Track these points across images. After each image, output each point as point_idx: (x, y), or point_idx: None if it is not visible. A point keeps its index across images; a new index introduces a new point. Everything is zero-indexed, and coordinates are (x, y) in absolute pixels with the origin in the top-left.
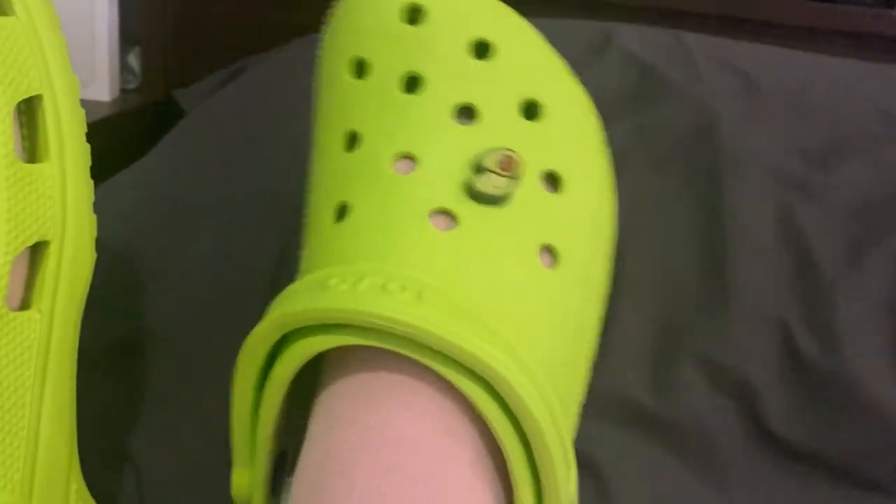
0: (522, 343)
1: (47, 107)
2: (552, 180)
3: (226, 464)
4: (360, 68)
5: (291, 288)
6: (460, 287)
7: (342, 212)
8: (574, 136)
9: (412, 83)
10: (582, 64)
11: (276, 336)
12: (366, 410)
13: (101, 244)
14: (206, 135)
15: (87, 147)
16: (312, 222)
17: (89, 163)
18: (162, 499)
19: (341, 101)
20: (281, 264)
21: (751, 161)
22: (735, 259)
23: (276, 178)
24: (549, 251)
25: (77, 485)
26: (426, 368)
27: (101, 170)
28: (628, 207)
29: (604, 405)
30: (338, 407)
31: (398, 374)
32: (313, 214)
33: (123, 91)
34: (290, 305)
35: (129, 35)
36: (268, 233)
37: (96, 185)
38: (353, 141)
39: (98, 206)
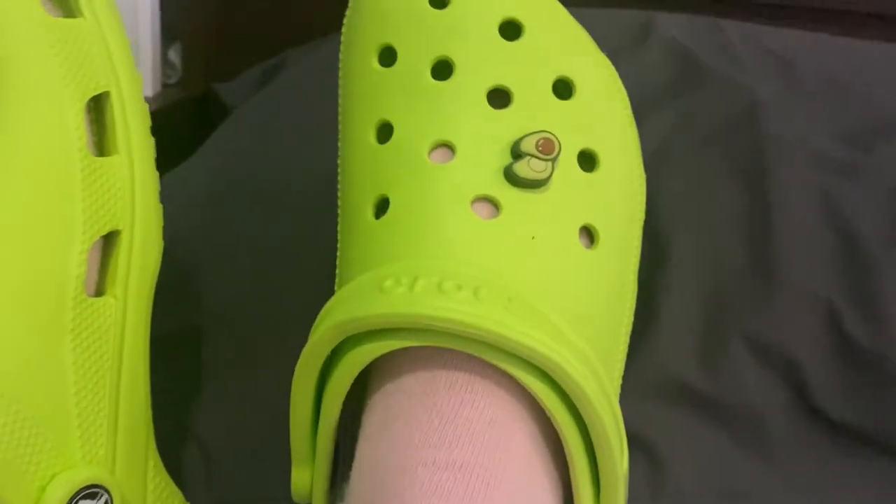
0: (573, 327)
1: (115, 102)
2: (587, 159)
3: (285, 443)
4: (388, 55)
5: (345, 291)
6: (509, 276)
7: (381, 207)
8: (605, 110)
9: (442, 68)
10: (623, 52)
11: (335, 342)
12: (423, 407)
13: (164, 233)
14: (261, 126)
15: (152, 140)
16: (350, 219)
17: (154, 155)
18: (228, 476)
19: (370, 91)
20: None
21: (793, 144)
22: (780, 240)
23: (328, 169)
24: (587, 231)
25: (154, 461)
26: (481, 363)
27: None
28: (674, 194)
29: (654, 384)
30: (394, 405)
31: (454, 371)
32: (349, 211)
33: (164, 86)
34: (349, 312)
35: (169, 30)
36: (329, 219)
37: None
38: (385, 132)
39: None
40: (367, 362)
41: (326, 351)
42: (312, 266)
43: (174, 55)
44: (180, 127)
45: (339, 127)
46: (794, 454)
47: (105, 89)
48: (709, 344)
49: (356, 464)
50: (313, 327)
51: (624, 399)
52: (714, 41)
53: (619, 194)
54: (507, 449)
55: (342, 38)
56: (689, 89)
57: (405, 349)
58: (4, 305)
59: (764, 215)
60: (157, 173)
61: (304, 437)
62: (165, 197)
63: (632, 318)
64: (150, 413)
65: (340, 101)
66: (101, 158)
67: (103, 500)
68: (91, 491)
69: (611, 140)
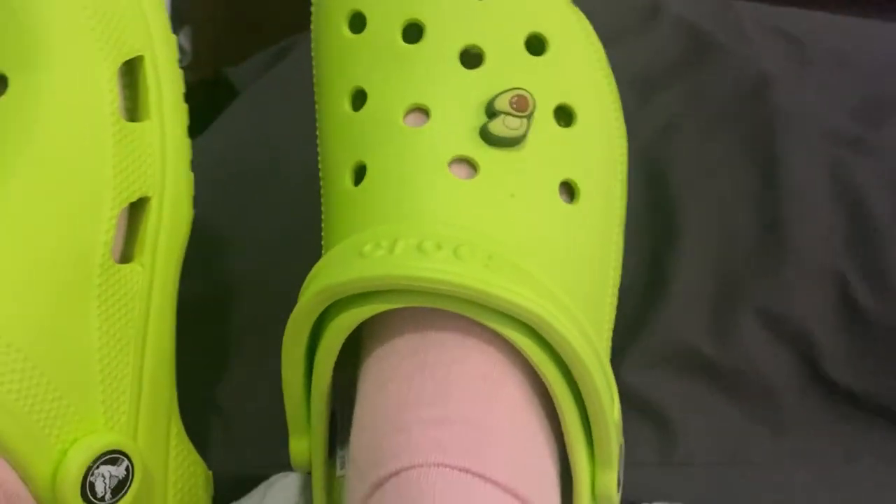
0: (556, 282)
1: (148, 67)
2: (564, 114)
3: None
4: (358, 21)
5: (327, 258)
6: (490, 235)
7: (359, 173)
8: (580, 65)
9: (413, 31)
10: (631, 31)
11: (319, 309)
12: (415, 366)
13: None
14: (269, 106)
15: (185, 107)
16: (330, 187)
17: (187, 121)
18: (247, 442)
19: (342, 59)
20: None
21: (803, 120)
22: (791, 214)
23: None
24: (567, 186)
25: (177, 429)
26: (469, 321)
27: None
28: (684, 169)
29: (664, 354)
30: (387, 367)
31: (443, 330)
32: (329, 179)
33: None
34: (330, 277)
35: (179, 14)
36: None
37: None
38: (359, 99)
39: None
40: (353, 326)
41: (312, 317)
42: (319, 240)
43: (184, 39)
44: (190, 110)
45: (315, 98)
46: (803, 424)
47: (139, 53)
48: (720, 315)
49: (354, 428)
50: (300, 295)
51: (634, 368)
52: (723, 19)
53: (598, 149)
54: (500, 403)
55: (312, 9)
56: (698, 66)
57: (394, 312)
58: (31, 269)
59: (774, 189)
60: (188, 140)
61: (299, 405)
62: None
63: (619, 275)
64: (174, 381)
65: (315, 70)
66: (132, 124)
67: (124, 465)
68: (112, 457)
69: (587, 95)
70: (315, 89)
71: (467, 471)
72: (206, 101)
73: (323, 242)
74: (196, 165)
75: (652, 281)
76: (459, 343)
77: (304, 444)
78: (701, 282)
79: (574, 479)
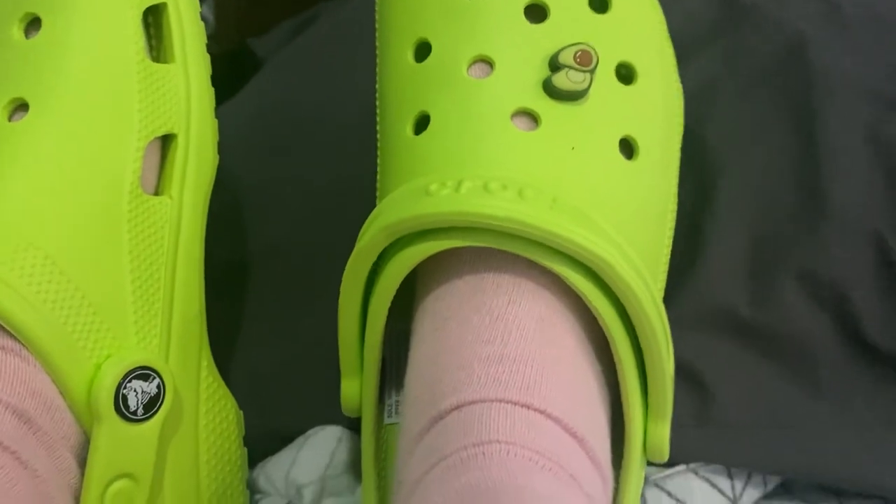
0: (617, 232)
1: (171, 14)
2: (625, 72)
3: (336, 374)
4: None
5: (390, 198)
6: (553, 183)
7: (422, 123)
8: (641, 25)
9: None
10: None
11: (383, 245)
12: (473, 307)
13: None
14: (296, 70)
15: (208, 57)
16: (389, 137)
17: (210, 70)
18: (279, 406)
19: (407, 11)
20: None
21: (841, 81)
22: (829, 176)
23: (371, 110)
24: (627, 143)
25: (207, 361)
26: (527, 263)
27: None
28: (721, 131)
29: (702, 316)
30: (444, 307)
31: (500, 272)
32: (389, 129)
33: None
34: (397, 213)
35: None
36: (368, 155)
37: None
38: (423, 50)
39: None
40: (415, 264)
41: (375, 254)
42: (356, 200)
43: (206, 10)
44: (214, 81)
45: (377, 52)
46: (841, 387)
47: (163, 0)
48: (758, 276)
49: (411, 366)
50: (360, 233)
51: (671, 329)
52: None
53: (658, 108)
54: (556, 345)
55: None
56: (732, 29)
57: (451, 254)
58: (67, 192)
59: (812, 150)
60: (212, 89)
61: (353, 346)
62: None
63: (672, 233)
64: (203, 314)
65: (378, 26)
66: (157, 64)
67: (155, 383)
68: (144, 372)
69: (648, 54)
70: (378, 42)
71: (528, 406)
72: (229, 72)
73: (378, 191)
74: (224, 132)
75: (689, 243)
76: (516, 285)
77: (356, 386)
78: (738, 244)
79: (627, 427)
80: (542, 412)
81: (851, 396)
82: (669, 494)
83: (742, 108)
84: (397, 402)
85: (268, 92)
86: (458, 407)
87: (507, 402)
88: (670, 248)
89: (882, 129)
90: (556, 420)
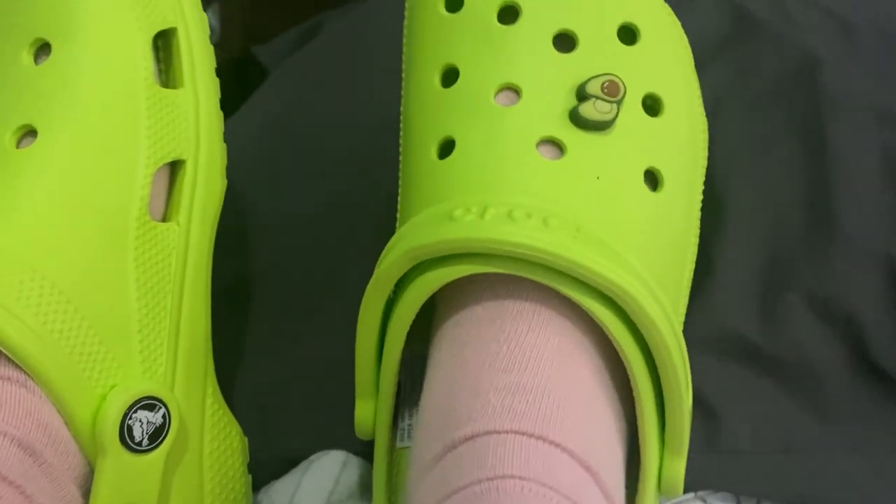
0: (641, 263)
1: (181, 39)
2: (651, 104)
3: (340, 392)
4: (455, 1)
5: (413, 222)
6: (577, 212)
7: (446, 147)
8: (669, 58)
9: (509, 13)
10: (674, 8)
11: (406, 268)
12: (492, 334)
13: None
14: (300, 85)
15: (217, 80)
16: (413, 161)
17: (219, 94)
18: (283, 427)
19: (436, 36)
20: (390, 207)
21: (851, 100)
22: (839, 196)
23: (377, 124)
24: (652, 174)
25: (212, 388)
26: (548, 292)
27: None
28: (730, 149)
29: (710, 339)
30: (462, 333)
31: (521, 300)
32: (412, 153)
33: None
34: (421, 238)
35: None
36: (373, 170)
37: None
38: (450, 76)
39: None
40: (436, 288)
41: (396, 277)
42: (360, 217)
43: (212, 17)
44: (220, 88)
45: (403, 75)
46: (852, 412)
47: (172, 25)
48: (767, 299)
49: (426, 391)
50: (381, 257)
51: None
52: None
53: (684, 140)
54: (573, 377)
55: None
56: (742, 44)
57: (471, 279)
58: (74, 219)
59: (823, 171)
60: (221, 113)
61: (369, 368)
62: None
63: (693, 265)
64: (209, 341)
65: (405, 49)
66: (166, 90)
67: (161, 413)
68: (149, 402)
69: (675, 86)
70: (403, 66)
71: (544, 438)
72: (235, 79)
73: (399, 213)
74: (231, 144)
75: (698, 264)
76: (536, 314)
77: (371, 408)
78: (747, 265)
79: (643, 461)
80: (557, 445)
81: (861, 421)
82: None
83: (751, 125)
84: (410, 425)
85: (270, 109)
86: (472, 437)
87: (523, 433)
88: (691, 280)
89: (894, 149)
90: (571, 453)
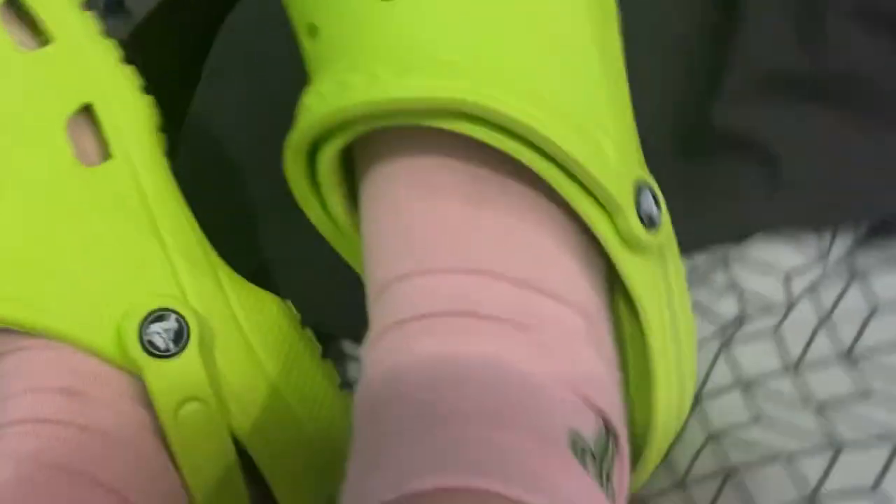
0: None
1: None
2: None
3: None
4: None
5: (311, 94)
6: (446, 46)
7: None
8: None
9: None
10: None
11: (311, 140)
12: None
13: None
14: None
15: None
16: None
17: (97, 29)
18: None
19: None
20: None
21: None
22: None
23: None
24: None
25: (227, 276)
26: (451, 137)
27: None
28: None
29: (758, 82)
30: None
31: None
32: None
33: None
34: (320, 109)
35: None
36: None
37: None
38: None
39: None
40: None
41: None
42: None
43: None
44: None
45: None
46: None
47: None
48: (804, 24)
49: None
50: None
51: (728, 105)
52: None
53: None
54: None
55: None
56: None
57: (382, 139)
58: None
59: None
60: (107, 43)
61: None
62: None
63: (620, 52)
64: (204, 239)
65: None
66: (42, 50)
67: (173, 318)
68: (158, 315)
69: None
70: None
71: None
72: None
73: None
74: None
75: (725, 11)
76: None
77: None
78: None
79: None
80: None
81: None
82: (755, 261)
83: None
84: None
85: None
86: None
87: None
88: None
89: None
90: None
